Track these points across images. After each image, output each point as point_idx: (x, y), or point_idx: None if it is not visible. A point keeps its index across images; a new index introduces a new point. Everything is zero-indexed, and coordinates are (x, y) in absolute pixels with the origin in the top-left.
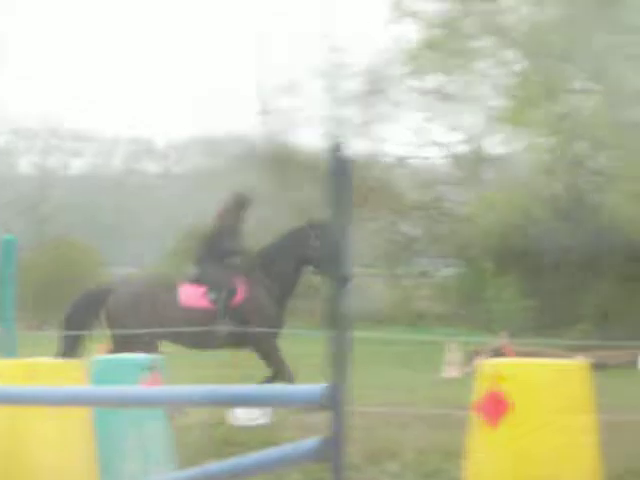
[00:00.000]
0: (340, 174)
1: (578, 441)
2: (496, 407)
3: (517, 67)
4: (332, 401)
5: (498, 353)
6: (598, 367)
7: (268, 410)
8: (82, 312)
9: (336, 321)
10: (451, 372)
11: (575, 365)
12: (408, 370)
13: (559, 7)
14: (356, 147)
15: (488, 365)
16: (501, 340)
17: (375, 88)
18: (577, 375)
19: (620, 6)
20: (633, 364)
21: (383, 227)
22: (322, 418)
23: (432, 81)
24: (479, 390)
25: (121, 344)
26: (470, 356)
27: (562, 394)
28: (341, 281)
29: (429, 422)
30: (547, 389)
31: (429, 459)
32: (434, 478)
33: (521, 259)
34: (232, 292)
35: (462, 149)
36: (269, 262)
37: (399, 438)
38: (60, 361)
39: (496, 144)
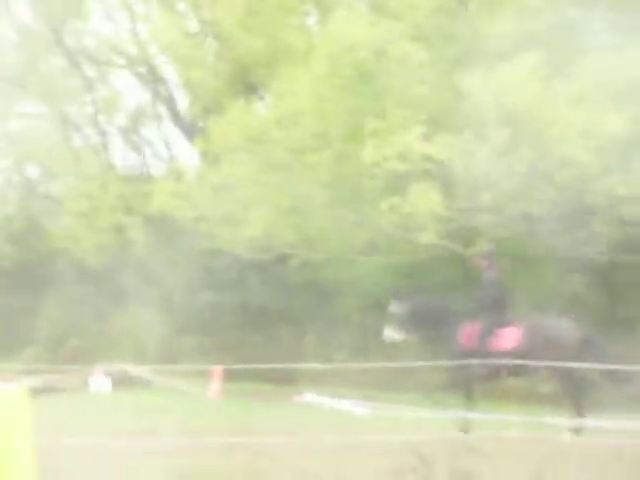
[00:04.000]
0: None
1: (12, 466)
2: None
3: None
4: None
5: None
6: (48, 390)
7: None
8: None
9: None
10: None
11: (13, 389)
12: None
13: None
14: None
15: None
16: None
17: None
18: (14, 399)
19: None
20: (85, 386)
21: None
22: None
23: None
24: None
25: None
26: None
27: None
28: None
29: None
30: None
31: None
32: None
33: None
34: None
35: None
36: None
37: None
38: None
39: None
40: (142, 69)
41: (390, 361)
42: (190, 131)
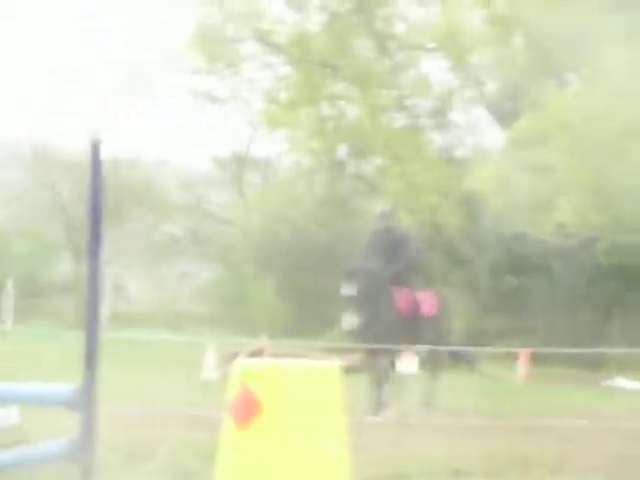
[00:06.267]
0: (97, 173)
1: (329, 443)
2: (247, 408)
3: (281, 71)
4: (81, 402)
5: (257, 355)
6: (355, 369)
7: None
8: None
9: (86, 321)
10: (210, 374)
11: (326, 367)
12: (166, 371)
13: (323, 14)
14: (117, 146)
15: (241, 366)
16: (260, 342)
17: (137, 87)
18: (328, 377)
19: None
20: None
21: (145, 227)
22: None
23: (195, 82)
24: (232, 391)
25: None
26: (229, 358)
27: (312, 396)
28: None
29: (185, 423)
30: (297, 390)
31: (185, 460)
32: (189, 479)
33: (282, 262)
34: None
35: (225, 151)
36: None
37: (154, 438)
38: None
39: (259, 147)
40: (450, 52)
41: None
42: (499, 114)
